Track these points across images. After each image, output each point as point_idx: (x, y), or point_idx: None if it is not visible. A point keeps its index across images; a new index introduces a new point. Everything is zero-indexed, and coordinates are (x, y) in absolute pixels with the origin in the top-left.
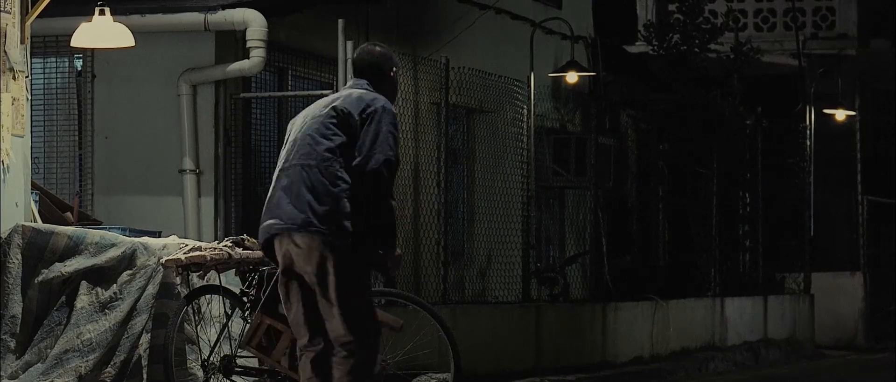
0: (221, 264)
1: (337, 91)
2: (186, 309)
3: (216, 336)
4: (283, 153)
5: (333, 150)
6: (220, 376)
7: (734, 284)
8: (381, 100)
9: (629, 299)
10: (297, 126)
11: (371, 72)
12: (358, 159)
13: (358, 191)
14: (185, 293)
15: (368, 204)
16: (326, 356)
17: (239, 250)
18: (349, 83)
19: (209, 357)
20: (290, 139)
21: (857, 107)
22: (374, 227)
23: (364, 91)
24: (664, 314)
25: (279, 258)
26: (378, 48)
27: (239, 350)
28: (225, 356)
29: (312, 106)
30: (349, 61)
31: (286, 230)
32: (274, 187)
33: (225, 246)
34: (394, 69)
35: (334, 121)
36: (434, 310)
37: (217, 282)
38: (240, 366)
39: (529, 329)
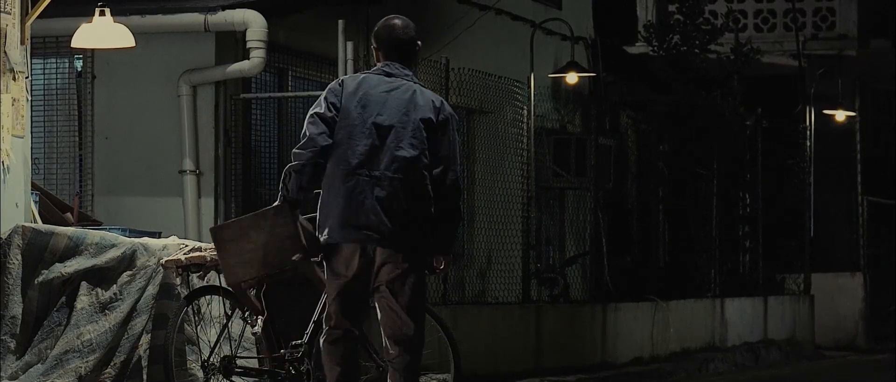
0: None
1: None
2: (186, 310)
3: (216, 336)
4: (363, 140)
5: (427, 166)
6: (220, 377)
7: (734, 285)
8: (446, 102)
9: (629, 300)
10: (376, 113)
11: (408, 50)
12: (438, 170)
13: (436, 197)
14: (186, 293)
15: (443, 212)
16: (357, 348)
17: None
18: (395, 68)
19: (209, 357)
20: (371, 131)
21: (857, 108)
22: (446, 236)
23: (422, 87)
24: (664, 314)
25: (349, 262)
26: (406, 21)
27: (239, 351)
28: (225, 356)
29: (395, 95)
30: (350, 62)
31: (384, 244)
32: (359, 189)
33: None
34: (419, 42)
35: (423, 131)
36: (434, 311)
37: (217, 282)
38: (240, 367)
39: (529, 330)
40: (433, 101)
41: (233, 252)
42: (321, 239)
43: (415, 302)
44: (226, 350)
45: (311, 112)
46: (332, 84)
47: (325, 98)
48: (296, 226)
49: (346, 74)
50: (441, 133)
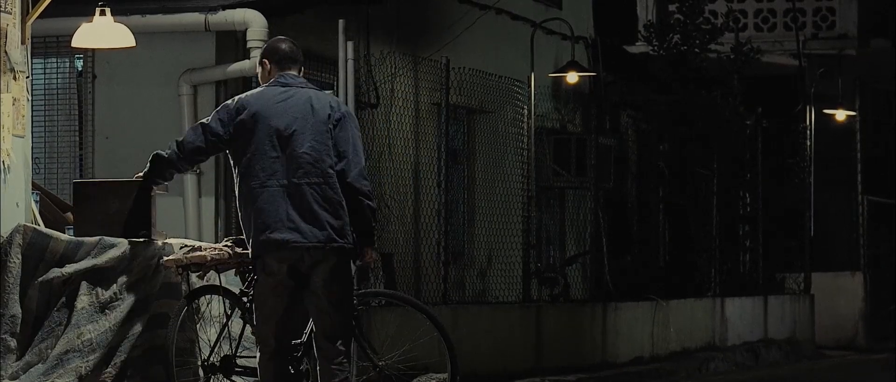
0: (222, 264)
1: (336, 91)
2: (187, 309)
3: (216, 336)
4: (269, 151)
5: (333, 165)
6: (221, 376)
7: (734, 284)
8: (341, 101)
9: (629, 299)
10: (278, 122)
11: (297, 60)
12: (340, 165)
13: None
14: (186, 293)
15: (358, 209)
16: (290, 361)
17: (239, 250)
18: (293, 75)
19: (209, 357)
20: (276, 140)
21: (857, 108)
22: (365, 230)
23: (317, 90)
24: (664, 314)
25: (277, 266)
26: (290, 40)
27: (239, 351)
28: (225, 356)
29: (292, 101)
30: (350, 62)
31: (307, 247)
32: (276, 199)
33: (225, 245)
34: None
35: (327, 132)
36: (430, 311)
37: (217, 282)
38: (240, 366)
39: (530, 330)
40: (330, 102)
41: (87, 208)
42: (250, 254)
43: (347, 305)
44: (225, 349)
45: (198, 122)
46: (228, 102)
47: (217, 112)
48: (150, 206)
49: (345, 74)
50: (340, 130)
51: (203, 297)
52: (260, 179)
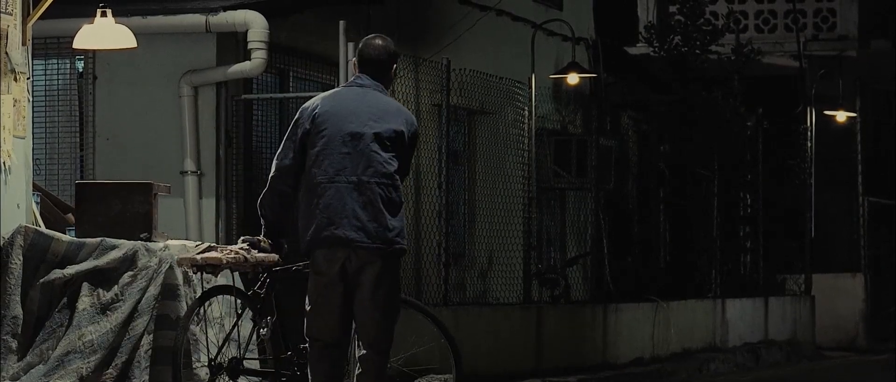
0: (237, 266)
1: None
2: (199, 309)
3: (221, 336)
4: (332, 151)
5: (396, 170)
6: (227, 377)
7: (735, 285)
8: (413, 119)
9: (630, 300)
10: (344, 127)
11: (381, 67)
12: (401, 179)
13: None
14: (194, 293)
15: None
16: (344, 357)
17: (256, 253)
18: (365, 81)
19: (216, 357)
20: (342, 142)
21: (857, 109)
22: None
23: (393, 101)
24: (665, 315)
25: (329, 265)
26: (386, 41)
27: (247, 352)
28: (233, 357)
29: (358, 106)
30: (350, 63)
31: (365, 246)
32: (336, 195)
33: (242, 248)
34: (395, 65)
35: (391, 141)
36: (434, 315)
37: (226, 283)
38: (247, 369)
39: (530, 331)
40: (405, 115)
41: (89, 209)
42: (303, 250)
43: (393, 306)
44: (232, 350)
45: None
46: (305, 104)
47: (294, 123)
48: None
49: (346, 75)
50: (410, 147)
51: (183, 286)
52: (329, 175)
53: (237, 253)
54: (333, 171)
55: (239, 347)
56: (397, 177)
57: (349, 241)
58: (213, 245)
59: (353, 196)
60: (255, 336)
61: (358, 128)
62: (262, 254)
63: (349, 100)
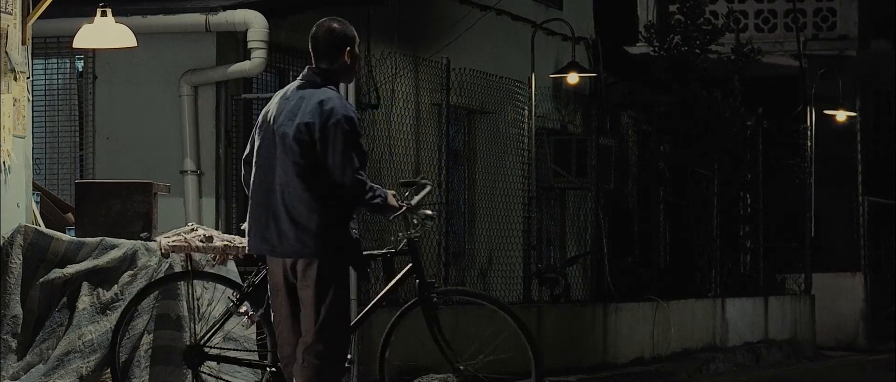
0: (205, 250)
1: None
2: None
3: (204, 324)
4: (255, 155)
5: (305, 171)
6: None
7: (735, 285)
8: (337, 109)
9: (630, 300)
10: (265, 128)
11: (325, 52)
12: (332, 175)
13: (337, 194)
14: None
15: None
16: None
17: (220, 237)
18: (304, 73)
19: (201, 339)
20: (264, 147)
21: (857, 108)
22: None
23: (321, 92)
24: (665, 315)
25: (273, 275)
26: (335, 24)
27: (211, 336)
28: (194, 342)
29: (280, 104)
30: None
31: (280, 255)
32: (258, 202)
33: (212, 234)
34: (349, 47)
35: (302, 139)
36: (513, 310)
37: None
38: (211, 356)
39: (530, 330)
40: (323, 106)
41: (88, 209)
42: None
43: (331, 310)
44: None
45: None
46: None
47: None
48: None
49: None
50: (330, 139)
51: (197, 286)
52: (255, 178)
53: (203, 238)
54: (258, 175)
55: (208, 330)
56: (316, 174)
57: (272, 250)
58: (195, 226)
59: (271, 199)
60: (223, 322)
61: (278, 128)
62: (227, 237)
63: (279, 99)
